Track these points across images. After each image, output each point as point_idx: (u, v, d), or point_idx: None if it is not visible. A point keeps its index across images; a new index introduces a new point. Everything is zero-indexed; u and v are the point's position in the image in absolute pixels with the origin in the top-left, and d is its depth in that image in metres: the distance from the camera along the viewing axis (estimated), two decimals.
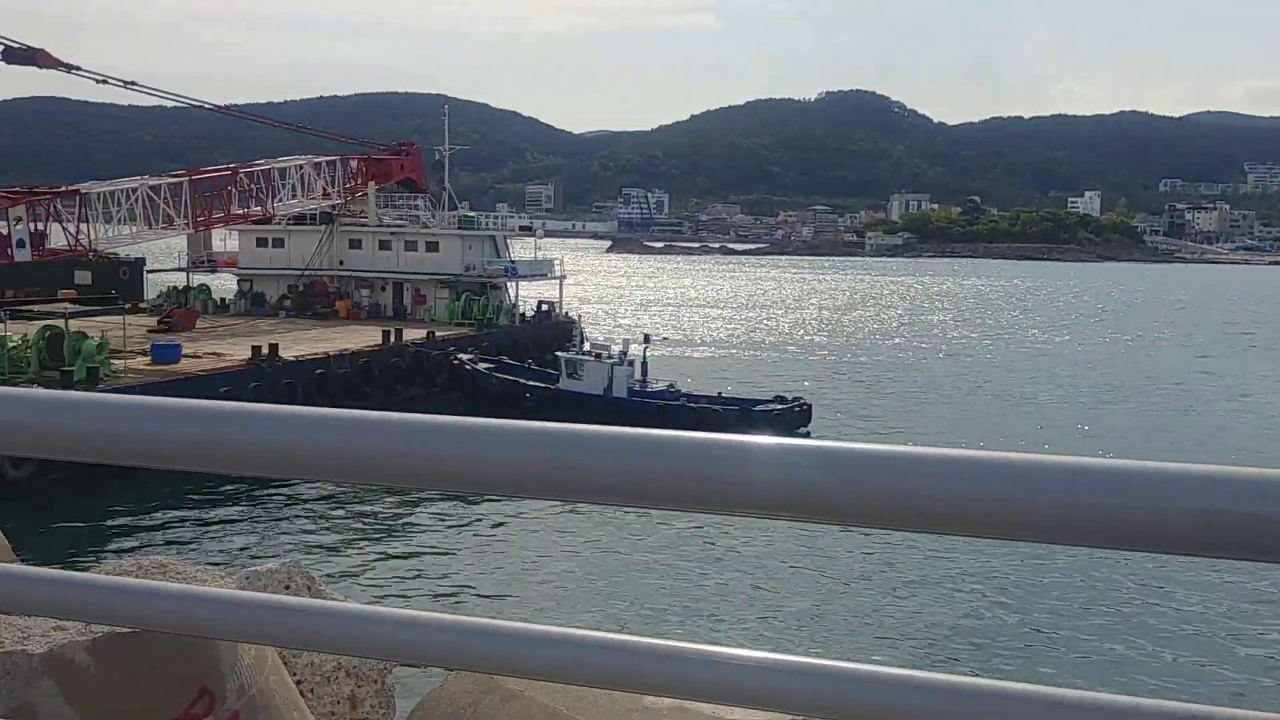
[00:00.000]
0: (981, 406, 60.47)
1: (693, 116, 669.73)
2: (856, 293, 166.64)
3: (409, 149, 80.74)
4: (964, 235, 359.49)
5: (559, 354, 54.30)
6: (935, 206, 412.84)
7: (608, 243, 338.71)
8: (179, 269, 74.21)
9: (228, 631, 1.80)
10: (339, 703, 6.90)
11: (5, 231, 48.89)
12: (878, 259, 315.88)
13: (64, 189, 55.03)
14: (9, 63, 51.84)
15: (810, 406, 50.17)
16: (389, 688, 6.93)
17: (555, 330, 69.64)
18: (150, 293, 72.79)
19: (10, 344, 41.07)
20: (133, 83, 57.16)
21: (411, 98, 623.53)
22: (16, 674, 4.72)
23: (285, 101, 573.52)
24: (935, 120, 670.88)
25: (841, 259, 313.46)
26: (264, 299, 71.15)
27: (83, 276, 69.00)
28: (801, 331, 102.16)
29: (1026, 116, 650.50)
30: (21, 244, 49.12)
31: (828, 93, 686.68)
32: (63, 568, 2.04)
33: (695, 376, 62.50)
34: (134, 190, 56.56)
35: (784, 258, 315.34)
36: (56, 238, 53.94)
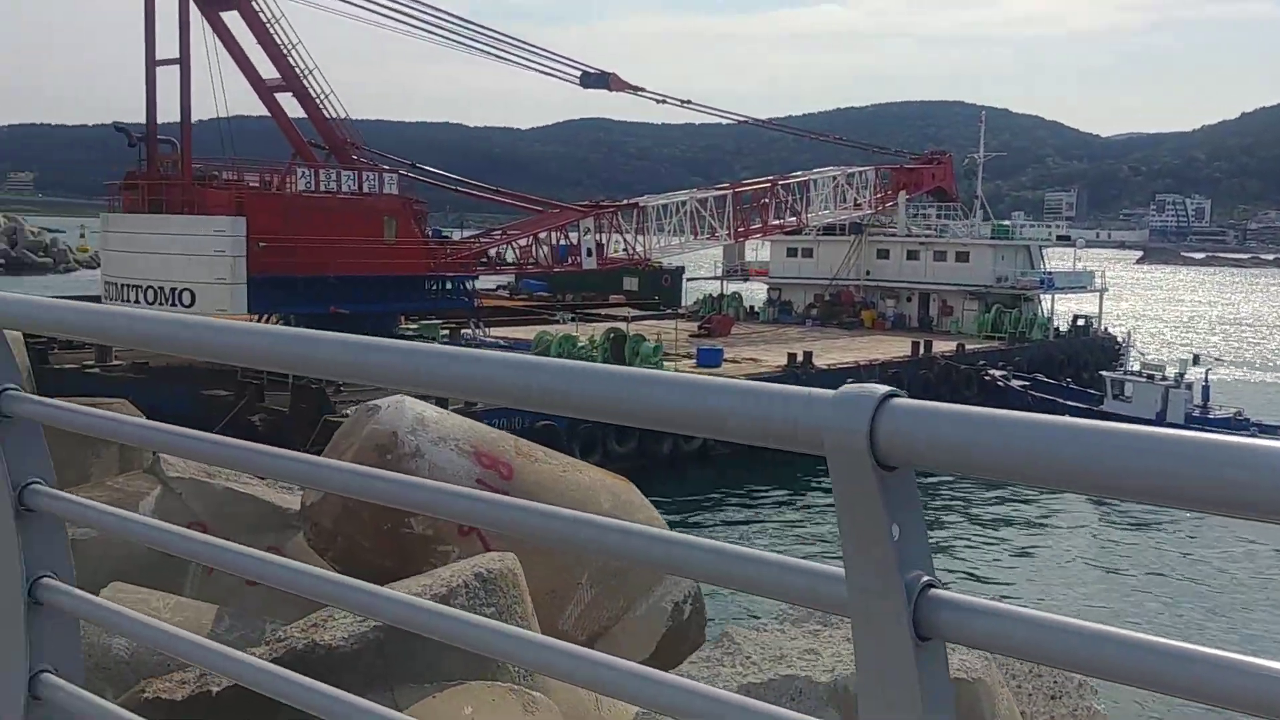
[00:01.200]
0: None
1: (1244, 114, 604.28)
2: None
3: (940, 158, 79.61)
4: None
5: (1104, 373, 50.78)
6: None
7: (1138, 253, 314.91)
8: (714, 277, 78.37)
9: None
10: None
11: (576, 241, 54.18)
12: None
13: (624, 203, 59.97)
14: (585, 86, 57.32)
15: None
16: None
17: (1094, 347, 65.28)
18: (687, 299, 77.62)
19: (579, 343, 45.39)
20: (688, 101, 61.25)
21: (927, 106, 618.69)
22: (800, 699, 4.58)
23: (804, 114, 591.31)
24: None
25: None
26: (791, 307, 73.17)
27: (630, 283, 75.21)
28: None
29: None
30: (589, 252, 54.22)
31: None
32: None
33: (1260, 404, 55.62)
34: (683, 203, 60.54)
35: None
36: (612, 247, 58.93)
